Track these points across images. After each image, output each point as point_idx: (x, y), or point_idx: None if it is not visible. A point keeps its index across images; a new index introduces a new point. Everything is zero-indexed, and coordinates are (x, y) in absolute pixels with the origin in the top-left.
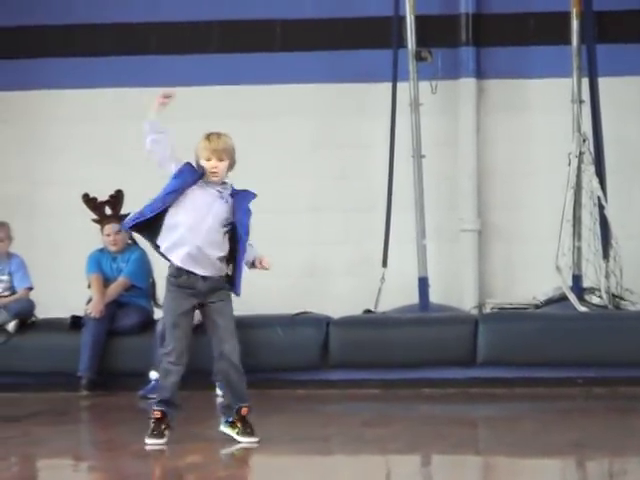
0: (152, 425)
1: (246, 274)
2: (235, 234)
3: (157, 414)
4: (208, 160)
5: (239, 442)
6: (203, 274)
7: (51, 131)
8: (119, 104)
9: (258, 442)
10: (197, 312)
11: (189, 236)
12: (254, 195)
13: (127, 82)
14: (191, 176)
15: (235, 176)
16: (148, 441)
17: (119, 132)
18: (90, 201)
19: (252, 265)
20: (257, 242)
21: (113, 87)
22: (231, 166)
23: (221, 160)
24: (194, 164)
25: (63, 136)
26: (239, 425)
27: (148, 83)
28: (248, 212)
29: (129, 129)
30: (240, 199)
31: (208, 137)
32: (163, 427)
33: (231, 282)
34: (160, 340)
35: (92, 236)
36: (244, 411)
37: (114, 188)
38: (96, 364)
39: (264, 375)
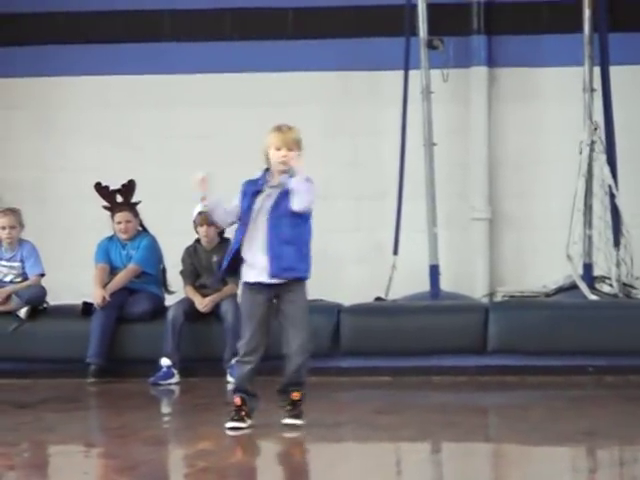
0: (233, 411)
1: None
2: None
3: (237, 401)
4: (278, 150)
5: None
6: None
7: (63, 118)
8: (132, 91)
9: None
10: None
11: None
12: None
13: (140, 69)
14: (253, 186)
15: (248, 164)
16: (229, 425)
17: (131, 119)
18: (102, 189)
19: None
20: None
21: (126, 74)
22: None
23: (290, 150)
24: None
25: (75, 123)
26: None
27: (160, 70)
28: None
29: (141, 116)
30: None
31: (279, 128)
32: (243, 413)
33: None
34: (172, 327)
35: (104, 223)
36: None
37: (126, 175)
38: (104, 351)
39: (275, 362)
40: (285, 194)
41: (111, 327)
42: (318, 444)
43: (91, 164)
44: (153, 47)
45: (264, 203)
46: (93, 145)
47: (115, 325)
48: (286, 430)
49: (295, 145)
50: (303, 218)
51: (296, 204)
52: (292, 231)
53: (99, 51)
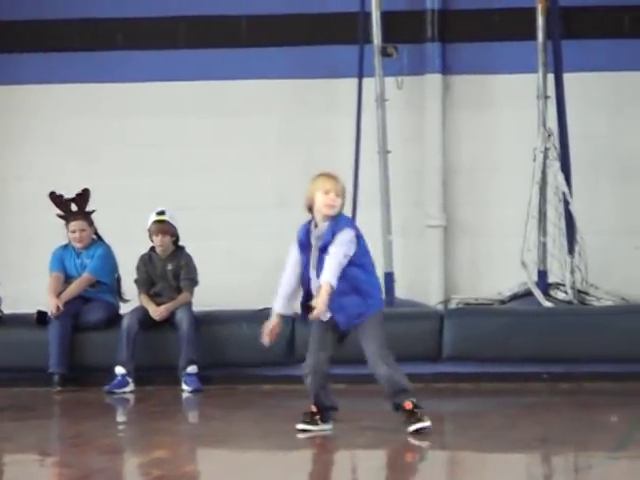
0: (308, 413)
1: (212, 267)
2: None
3: (313, 408)
4: (327, 193)
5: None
6: None
7: (18, 126)
8: (86, 99)
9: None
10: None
11: None
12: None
13: (96, 78)
14: (302, 234)
15: (200, 171)
16: (300, 427)
17: (90, 128)
18: (56, 198)
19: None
20: (223, 237)
21: (82, 83)
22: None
23: (338, 196)
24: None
25: (30, 131)
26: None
27: (115, 79)
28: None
29: (100, 125)
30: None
31: (328, 174)
32: (317, 417)
33: None
34: (126, 335)
35: (61, 231)
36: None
37: (84, 184)
38: (66, 360)
39: (230, 370)
40: (325, 249)
41: (69, 336)
42: (273, 452)
43: (47, 173)
44: (108, 55)
45: (312, 259)
46: (49, 153)
47: (72, 334)
48: (242, 438)
49: (342, 194)
50: (353, 258)
51: (322, 277)
52: (344, 279)
53: (52, 59)
